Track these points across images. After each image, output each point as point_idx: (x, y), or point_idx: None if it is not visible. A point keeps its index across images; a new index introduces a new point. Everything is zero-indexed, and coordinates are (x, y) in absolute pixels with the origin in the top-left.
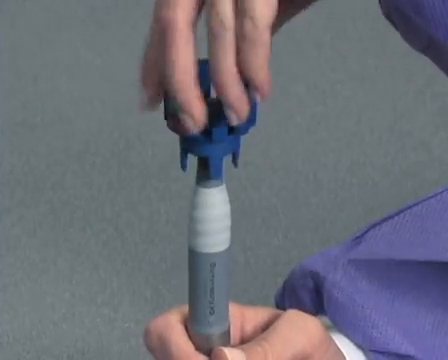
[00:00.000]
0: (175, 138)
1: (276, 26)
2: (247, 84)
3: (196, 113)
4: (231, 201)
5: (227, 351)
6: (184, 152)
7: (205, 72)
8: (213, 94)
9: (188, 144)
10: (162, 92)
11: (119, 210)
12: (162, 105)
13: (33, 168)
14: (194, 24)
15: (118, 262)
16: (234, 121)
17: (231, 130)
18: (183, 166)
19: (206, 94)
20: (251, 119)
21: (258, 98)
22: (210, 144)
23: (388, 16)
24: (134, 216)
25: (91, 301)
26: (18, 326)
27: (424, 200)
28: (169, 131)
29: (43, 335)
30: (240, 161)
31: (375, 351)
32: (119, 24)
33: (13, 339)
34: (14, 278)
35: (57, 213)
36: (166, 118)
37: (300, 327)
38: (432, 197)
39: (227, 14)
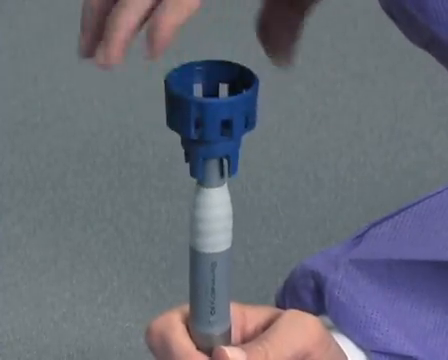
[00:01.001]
0: (175, 138)
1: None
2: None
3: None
4: (232, 200)
5: (228, 350)
6: (198, 158)
7: (208, 73)
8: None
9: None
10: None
11: (119, 210)
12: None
13: (33, 168)
14: None
15: (118, 262)
16: (102, 63)
17: (228, 132)
18: (197, 172)
19: (210, 95)
20: (250, 122)
21: (149, 53)
22: (205, 145)
23: (388, 10)
24: (134, 216)
25: (91, 301)
26: (18, 326)
27: (424, 199)
28: (169, 131)
29: (43, 335)
30: (240, 161)
31: (376, 351)
32: None
33: (13, 339)
34: (14, 278)
35: (57, 213)
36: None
37: (300, 326)
38: (432, 196)
39: None
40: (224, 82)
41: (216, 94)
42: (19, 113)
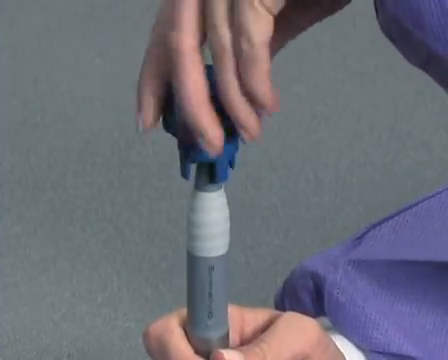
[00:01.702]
0: (175, 138)
1: (275, 50)
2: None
3: (211, 137)
4: (231, 201)
5: (225, 353)
6: (187, 161)
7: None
8: None
9: (190, 153)
10: (161, 112)
11: (119, 210)
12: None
13: (33, 168)
14: (200, 46)
15: (118, 262)
16: (246, 139)
17: (228, 135)
18: (185, 174)
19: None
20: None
21: (265, 114)
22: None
23: (387, 32)
24: (134, 215)
25: (91, 300)
26: (18, 326)
27: (424, 200)
28: None
29: (43, 335)
30: (240, 161)
31: (375, 352)
32: (119, 24)
33: (13, 339)
34: (14, 278)
35: (57, 213)
36: (168, 129)
37: (298, 328)
38: (432, 197)
39: (226, 35)
40: None
41: None
42: (19, 113)
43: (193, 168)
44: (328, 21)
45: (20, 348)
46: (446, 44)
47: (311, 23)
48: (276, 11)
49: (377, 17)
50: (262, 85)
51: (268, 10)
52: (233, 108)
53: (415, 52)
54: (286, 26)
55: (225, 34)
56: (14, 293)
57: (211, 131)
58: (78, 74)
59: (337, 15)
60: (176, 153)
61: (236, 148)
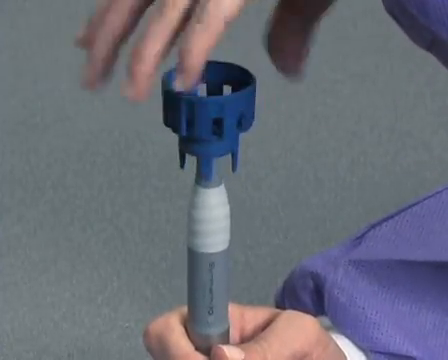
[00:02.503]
0: (175, 138)
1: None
2: None
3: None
4: (231, 201)
5: (226, 349)
6: (180, 152)
7: (210, 74)
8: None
9: (181, 144)
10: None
11: (119, 210)
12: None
13: (33, 168)
14: None
15: (118, 262)
16: (131, 96)
17: (217, 131)
18: (208, 172)
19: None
20: (244, 123)
21: (181, 81)
22: (197, 143)
23: (391, 12)
24: (134, 215)
25: (91, 301)
26: (18, 326)
27: (424, 199)
28: (169, 131)
29: (43, 335)
30: (240, 161)
31: (376, 351)
32: None
33: (13, 339)
34: (14, 278)
35: (57, 213)
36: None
37: (298, 326)
38: (432, 196)
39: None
40: (228, 83)
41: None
42: (19, 113)
43: (193, 162)
44: (328, 21)
45: (20, 348)
46: None
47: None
48: None
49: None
50: (200, 53)
51: None
52: (143, 54)
53: (420, 36)
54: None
55: None
56: (14, 293)
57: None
58: (78, 74)
59: (337, 15)
60: (176, 153)
61: (224, 147)
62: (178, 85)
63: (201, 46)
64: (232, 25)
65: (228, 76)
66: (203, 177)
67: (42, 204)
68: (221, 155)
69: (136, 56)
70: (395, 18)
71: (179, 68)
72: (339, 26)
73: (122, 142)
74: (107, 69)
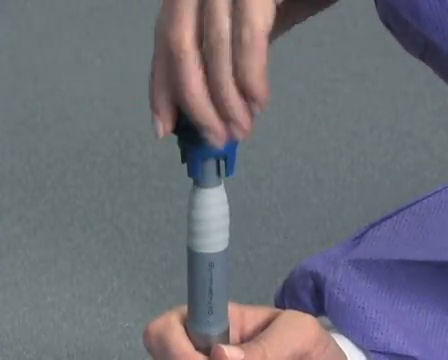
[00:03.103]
0: (175, 138)
1: (271, 38)
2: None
3: (218, 130)
4: (231, 201)
5: (225, 348)
6: (197, 158)
7: None
8: None
9: (179, 142)
10: (175, 115)
11: (119, 210)
12: None
13: (33, 168)
14: (199, 42)
15: (118, 262)
16: (238, 135)
17: None
18: (195, 172)
19: None
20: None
21: (257, 108)
22: (191, 143)
23: (385, 21)
24: (134, 215)
25: (91, 301)
26: (18, 326)
27: (423, 199)
28: None
29: (43, 335)
30: (240, 161)
31: (376, 351)
32: (119, 24)
33: (13, 339)
34: (14, 278)
35: (57, 213)
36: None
37: (297, 326)
38: (431, 195)
39: (225, 24)
40: None
41: None
42: (19, 113)
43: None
44: (328, 21)
45: (20, 348)
46: (443, 34)
47: (308, 13)
48: (280, 0)
49: (376, 7)
50: (259, 76)
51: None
52: (227, 102)
53: (413, 42)
54: (284, 14)
55: (223, 22)
56: (14, 293)
57: (215, 127)
58: (78, 74)
59: (337, 15)
60: (176, 153)
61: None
62: (255, 110)
63: (258, 70)
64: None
65: None
66: (200, 177)
67: (42, 204)
68: (214, 156)
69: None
70: (389, 27)
71: (251, 99)
72: (339, 26)
73: (122, 142)
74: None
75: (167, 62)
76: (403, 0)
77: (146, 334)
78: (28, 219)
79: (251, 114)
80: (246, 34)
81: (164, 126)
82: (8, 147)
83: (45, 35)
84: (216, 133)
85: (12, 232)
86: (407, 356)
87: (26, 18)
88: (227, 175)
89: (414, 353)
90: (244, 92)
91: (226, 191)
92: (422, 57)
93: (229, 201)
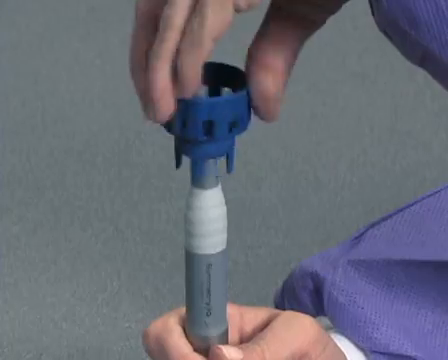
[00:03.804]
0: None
1: (296, 49)
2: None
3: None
4: (232, 200)
5: (224, 349)
6: (176, 152)
7: (210, 76)
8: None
9: (176, 143)
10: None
11: (119, 210)
12: None
13: (33, 168)
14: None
15: (118, 262)
16: (154, 116)
17: (209, 132)
18: (177, 165)
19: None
20: (237, 125)
21: (181, 93)
22: (189, 144)
23: (383, 30)
24: (134, 216)
25: (91, 301)
26: (18, 326)
27: (422, 199)
28: None
29: (43, 335)
30: (240, 161)
31: (376, 352)
32: (119, 24)
33: (13, 339)
34: (14, 278)
35: (57, 213)
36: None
37: (297, 326)
38: (431, 195)
39: (182, 11)
40: (228, 86)
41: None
42: (19, 113)
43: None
44: (328, 21)
45: (20, 348)
46: (442, 44)
47: (324, 16)
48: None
49: (373, 15)
50: (192, 69)
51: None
52: (152, 73)
53: (411, 51)
54: (301, 22)
55: (182, 10)
56: (14, 293)
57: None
58: (78, 74)
59: (337, 15)
60: None
61: (215, 149)
62: (177, 95)
63: (190, 63)
64: (223, 36)
65: (229, 79)
66: (196, 178)
67: (42, 204)
68: (213, 157)
69: (150, 86)
70: (387, 35)
71: (178, 83)
72: (339, 26)
73: (122, 142)
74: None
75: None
76: (401, 10)
77: (145, 336)
78: (28, 219)
79: (171, 98)
80: (196, 24)
81: (163, 106)
82: (8, 147)
83: (45, 35)
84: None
85: (12, 232)
86: (407, 356)
87: (26, 18)
88: (227, 172)
89: (414, 353)
90: (175, 75)
91: (226, 191)
92: (421, 65)
93: (229, 201)
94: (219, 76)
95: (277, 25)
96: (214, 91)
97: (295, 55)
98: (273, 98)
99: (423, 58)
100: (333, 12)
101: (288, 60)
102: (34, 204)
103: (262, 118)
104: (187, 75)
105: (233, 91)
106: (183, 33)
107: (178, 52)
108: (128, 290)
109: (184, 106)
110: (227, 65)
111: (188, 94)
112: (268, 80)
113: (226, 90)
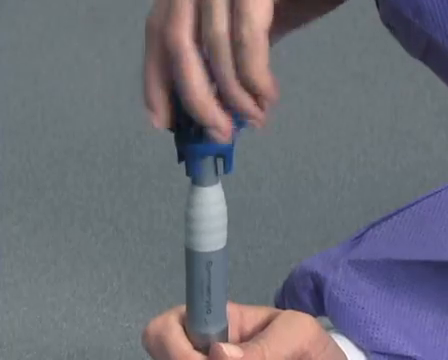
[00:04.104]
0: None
1: (273, 41)
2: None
3: (223, 126)
4: (232, 200)
5: (224, 346)
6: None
7: None
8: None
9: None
10: (172, 111)
11: (119, 210)
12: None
13: (33, 168)
14: (198, 38)
15: (118, 262)
16: (256, 127)
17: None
18: (191, 172)
19: None
20: (240, 121)
21: (266, 104)
22: (187, 142)
23: (387, 21)
24: (134, 216)
25: (91, 301)
26: (18, 326)
27: (423, 199)
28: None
29: (43, 335)
30: (240, 161)
31: (376, 352)
32: (119, 24)
33: (13, 339)
34: (14, 278)
35: (57, 213)
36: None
37: (297, 325)
38: (431, 196)
39: (223, 23)
40: None
41: None
42: (19, 113)
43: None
44: (328, 21)
45: (20, 348)
46: (446, 33)
47: (311, 15)
48: None
49: (378, 8)
50: (262, 74)
51: None
52: (236, 99)
53: (415, 42)
54: (284, 15)
55: (222, 22)
56: (14, 293)
57: (220, 123)
58: (78, 74)
59: (337, 15)
60: (176, 153)
61: (214, 147)
62: (267, 104)
63: (260, 67)
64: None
65: None
66: (197, 175)
67: (42, 204)
68: (210, 155)
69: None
70: (390, 27)
71: (259, 95)
72: (339, 26)
73: (122, 142)
74: None
75: (163, 59)
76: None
77: (145, 335)
78: (28, 219)
79: (261, 107)
80: (245, 31)
81: (161, 118)
82: (8, 147)
83: (45, 35)
84: (220, 129)
85: (12, 232)
86: (407, 357)
87: (26, 18)
88: (226, 172)
89: (414, 353)
90: (249, 89)
91: (226, 191)
92: (424, 58)
93: (229, 201)
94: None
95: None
96: None
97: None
98: None
99: (426, 50)
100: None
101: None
102: (34, 204)
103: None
104: (264, 84)
105: None
106: (233, 42)
107: (239, 63)
108: (128, 290)
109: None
110: None
111: (270, 96)
112: None
113: None
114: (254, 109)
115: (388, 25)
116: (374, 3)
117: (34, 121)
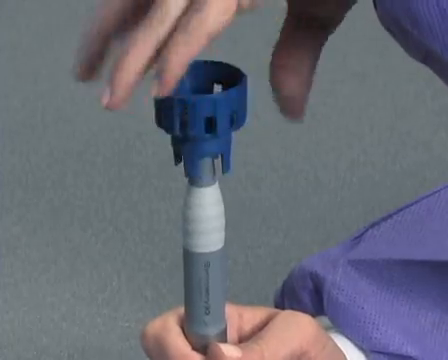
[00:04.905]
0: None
1: (316, 54)
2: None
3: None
4: (232, 200)
5: (223, 346)
6: (195, 157)
7: (201, 73)
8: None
9: (173, 143)
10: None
11: (119, 210)
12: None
13: (33, 168)
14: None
15: (118, 262)
16: (108, 102)
17: (213, 129)
18: (194, 171)
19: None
20: (237, 120)
21: (155, 90)
22: (186, 143)
23: (387, 27)
24: (134, 216)
25: (91, 301)
26: (18, 326)
27: (423, 198)
28: None
29: (43, 335)
30: (240, 161)
31: (375, 351)
32: None
33: (13, 339)
34: (14, 278)
35: (57, 213)
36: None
37: (295, 325)
38: (431, 195)
39: (176, 4)
40: (218, 82)
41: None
42: (19, 113)
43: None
44: None
45: (20, 348)
46: (444, 45)
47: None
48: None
49: (377, 14)
50: (179, 66)
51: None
52: (130, 60)
53: (414, 50)
54: (321, 24)
55: (172, 8)
56: (14, 293)
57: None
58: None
59: None
60: None
61: (213, 147)
62: (153, 92)
63: (180, 58)
64: (219, 36)
65: (218, 75)
66: (194, 176)
67: (42, 204)
68: (210, 155)
69: (119, 65)
70: (391, 32)
71: (157, 75)
72: (339, 26)
73: (122, 142)
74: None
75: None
76: (403, 10)
77: (143, 336)
78: (28, 219)
79: (130, 87)
80: (195, 21)
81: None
82: (8, 147)
83: (45, 35)
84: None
85: (12, 232)
86: (407, 356)
87: (26, 18)
88: (224, 173)
89: (413, 353)
90: (157, 66)
91: (226, 191)
92: (424, 62)
93: (229, 201)
94: (206, 73)
95: (299, 30)
96: (202, 89)
97: (317, 56)
98: (300, 99)
99: (426, 57)
100: (349, 7)
101: (312, 61)
102: (34, 204)
103: (289, 118)
104: (173, 71)
105: (223, 88)
106: (177, 24)
107: (167, 43)
108: (128, 290)
109: (181, 104)
110: (213, 62)
111: (166, 89)
112: (295, 83)
113: (217, 86)
114: (125, 81)
115: (389, 29)
116: (374, 9)
117: (34, 121)
